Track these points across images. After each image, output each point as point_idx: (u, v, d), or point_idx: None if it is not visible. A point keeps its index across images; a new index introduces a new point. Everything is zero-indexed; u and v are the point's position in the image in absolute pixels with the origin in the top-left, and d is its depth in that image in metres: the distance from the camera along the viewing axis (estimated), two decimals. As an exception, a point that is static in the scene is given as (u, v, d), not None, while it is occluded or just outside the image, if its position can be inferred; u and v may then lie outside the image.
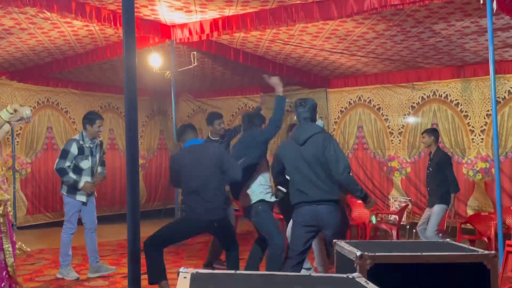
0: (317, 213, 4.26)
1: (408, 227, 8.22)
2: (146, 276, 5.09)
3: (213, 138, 6.42)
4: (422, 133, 7.11)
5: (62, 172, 5.72)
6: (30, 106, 9.64)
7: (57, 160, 5.83)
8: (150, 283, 4.82)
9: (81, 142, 5.81)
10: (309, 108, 4.45)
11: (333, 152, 4.28)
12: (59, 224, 9.68)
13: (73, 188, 5.78)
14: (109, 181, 10.77)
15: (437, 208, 6.47)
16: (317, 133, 4.37)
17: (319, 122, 5.64)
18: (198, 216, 4.82)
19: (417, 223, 8.37)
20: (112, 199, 10.77)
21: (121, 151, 10.85)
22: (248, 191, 5.06)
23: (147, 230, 9.37)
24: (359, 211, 8.18)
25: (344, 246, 3.44)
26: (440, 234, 7.20)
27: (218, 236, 5.09)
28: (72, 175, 5.74)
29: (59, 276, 5.86)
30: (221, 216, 4.86)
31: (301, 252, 4.35)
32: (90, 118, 5.81)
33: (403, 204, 8.61)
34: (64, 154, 5.78)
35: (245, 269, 5.19)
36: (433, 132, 6.94)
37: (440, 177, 6.54)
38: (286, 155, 4.48)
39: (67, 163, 5.74)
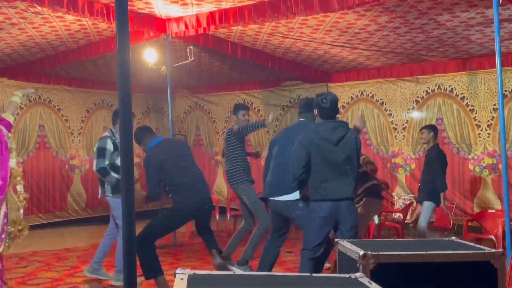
0: (338, 209, 4.46)
1: (412, 225, 8.20)
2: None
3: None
4: (420, 129, 7.15)
5: (104, 172, 5.55)
6: (22, 103, 9.65)
7: (94, 161, 5.70)
8: (147, 279, 4.95)
9: (113, 138, 5.74)
10: (331, 104, 4.54)
11: (359, 152, 4.69)
12: (53, 225, 9.78)
13: (117, 188, 5.55)
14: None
15: (425, 205, 6.61)
16: (348, 132, 4.59)
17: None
18: (197, 205, 5.14)
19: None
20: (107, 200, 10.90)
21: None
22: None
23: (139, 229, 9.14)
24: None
25: (346, 245, 3.44)
26: (446, 233, 7.23)
27: (204, 221, 5.31)
28: (114, 174, 5.58)
29: (114, 283, 5.60)
30: (212, 204, 5.46)
31: (318, 244, 4.57)
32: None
33: (408, 202, 8.60)
34: (101, 152, 5.65)
35: (260, 267, 5.26)
36: (433, 128, 7.01)
37: (430, 174, 6.65)
38: (315, 150, 4.56)
39: (106, 162, 5.61)
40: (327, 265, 5.79)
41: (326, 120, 4.57)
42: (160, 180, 5.09)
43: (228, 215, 9.00)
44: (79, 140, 10.46)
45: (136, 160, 11.01)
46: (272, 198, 5.01)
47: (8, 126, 4.17)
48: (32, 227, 9.59)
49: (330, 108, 4.54)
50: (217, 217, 8.94)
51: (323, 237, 4.54)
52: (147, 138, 5.26)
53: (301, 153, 4.55)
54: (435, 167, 6.60)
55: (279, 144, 5.15)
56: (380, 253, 3.08)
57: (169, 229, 5.45)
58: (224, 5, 6.44)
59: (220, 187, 11.52)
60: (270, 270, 5.10)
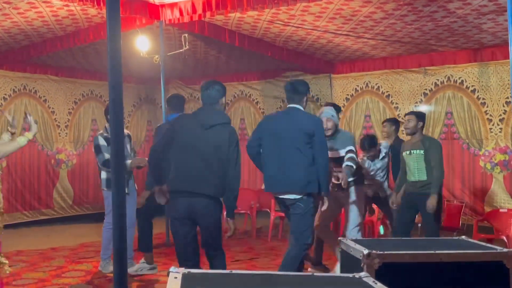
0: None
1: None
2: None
3: None
4: (383, 122, 7.43)
5: (108, 164, 5.70)
6: (5, 94, 9.66)
7: (97, 158, 6.00)
8: (139, 250, 5.84)
9: (105, 134, 6.00)
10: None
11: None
12: (38, 223, 9.78)
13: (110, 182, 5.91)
14: (92, 177, 10.74)
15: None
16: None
17: (328, 110, 5.83)
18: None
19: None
20: (96, 196, 10.60)
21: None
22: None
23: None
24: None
25: (350, 245, 3.44)
26: (455, 233, 7.24)
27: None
28: None
29: (100, 269, 6.24)
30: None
31: None
32: None
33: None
34: (97, 149, 6.01)
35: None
36: (395, 122, 7.28)
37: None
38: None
39: (106, 156, 5.86)
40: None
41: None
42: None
43: (224, 213, 8.99)
44: (66, 133, 10.44)
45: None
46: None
47: None
48: (17, 225, 9.79)
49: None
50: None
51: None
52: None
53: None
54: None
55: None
56: (385, 252, 3.08)
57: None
58: (221, -10, 6.52)
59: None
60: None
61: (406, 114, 6.54)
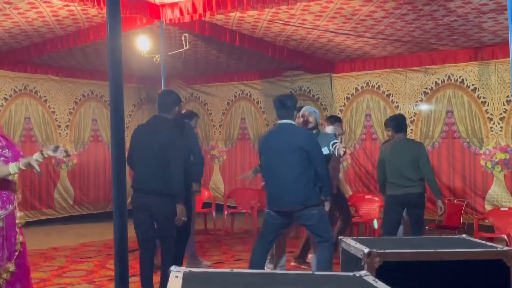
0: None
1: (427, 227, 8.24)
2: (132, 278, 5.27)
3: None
4: (385, 122, 7.25)
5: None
6: (6, 94, 9.66)
7: None
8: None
9: None
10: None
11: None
12: (39, 223, 9.78)
13: None
14: (92, 177, 10.83)
15: None
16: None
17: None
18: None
19: (431, 219, 8.39)
20: (96, 196, 10.76)
21: (105, 143, 10.89)
22: None
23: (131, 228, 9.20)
24: (367, 208, 8.31)
25: (350, 243, 3.44)
26: (456, 231, 7.23)
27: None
28: None
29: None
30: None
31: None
32: None
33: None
34: None
35: None
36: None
37: None
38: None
39: None
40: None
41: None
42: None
43: (225, 212, 8.96)
44: (67, 133, 10.44)
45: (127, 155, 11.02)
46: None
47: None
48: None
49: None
50: (213, 215, 8.96)
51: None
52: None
53: None
54: None
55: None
56: (386, 251, 3.08)
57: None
58: (222, -10, 6.52)
59: (216, 183, 11.51)
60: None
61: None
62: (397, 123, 6.40)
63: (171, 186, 4.88)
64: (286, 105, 5.05)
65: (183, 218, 4.95)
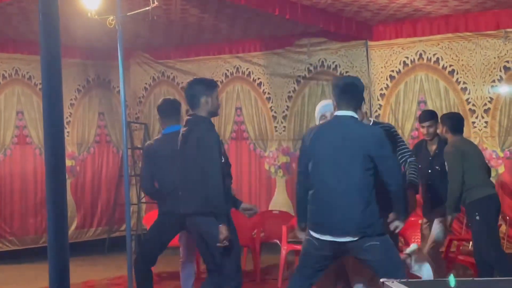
0: None
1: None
2: None
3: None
4: (440, 118, 7.59)
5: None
6: None
7: None
8: None
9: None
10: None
11: None
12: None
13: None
14: (17, 196, 10.36)
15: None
16: None
17: (325, 105, 6.03)
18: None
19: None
20: (24, 225, 10.47)
21: (36, 146, 10.74)
22: None
23: (83, 272, 9.46)
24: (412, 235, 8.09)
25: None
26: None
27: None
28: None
29: None
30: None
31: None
32: None
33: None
34: None
35: None
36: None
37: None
38: None
39: None
40: None
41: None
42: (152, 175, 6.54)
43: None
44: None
45: (68, 163, 11.02)
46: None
47: None
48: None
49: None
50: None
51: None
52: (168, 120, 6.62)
53: None
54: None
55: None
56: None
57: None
58: None
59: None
60: None
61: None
62: (457, 122, 7.23)
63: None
64: (351, 90, 5.18)
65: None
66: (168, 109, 6.72)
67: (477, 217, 6.92)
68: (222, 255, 5.59)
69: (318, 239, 5.03)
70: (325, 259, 5.14)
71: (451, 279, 7.39)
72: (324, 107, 5.84)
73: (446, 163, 7.03)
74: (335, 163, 4.96)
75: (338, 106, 5.09)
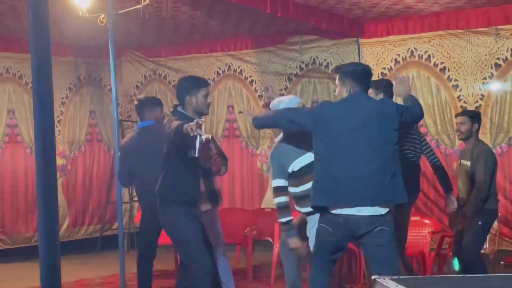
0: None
1: (492, 256, 8.26)
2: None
3: None
4: (456, 116, 7.51)
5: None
6: None
7: None
8: None
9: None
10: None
11: None
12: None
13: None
14: (8, 195, 10.42)
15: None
16: None
17: (291, 99, 6.16)
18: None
19: (506, 250, 8.45)
20: (14, 224, 10.50)
21: (27, 145, 10.83)
22: None
23: (75, 271, 9.50)
24: (415, 235, 8.15)
25: (390, 286, 3.47)
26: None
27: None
28: None
29: None
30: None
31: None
32: None
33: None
34: None
35: None
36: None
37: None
38: None
39: None
40: None
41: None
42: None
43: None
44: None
45: (59, 162, 11.01)
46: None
47: None
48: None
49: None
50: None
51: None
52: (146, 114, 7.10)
53: None
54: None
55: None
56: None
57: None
58: None
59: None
60: None
61: (457, 115, 6.99)
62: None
63: None
64: (366, 76, 5.53)
65: None
66: (143, 106, 7.19)
67: (479, 223, 7.02)
68: (176, 245, 6.10)
69: (334, 218, 5.29)
70: (338, 248, 5.38)
71: (455, 263, 7.45)
72: (293, 100, 6.09)
73: (479, 166, 6.98)
74: (357, 135, 5.27)
75: (353, 88, 5.40)
